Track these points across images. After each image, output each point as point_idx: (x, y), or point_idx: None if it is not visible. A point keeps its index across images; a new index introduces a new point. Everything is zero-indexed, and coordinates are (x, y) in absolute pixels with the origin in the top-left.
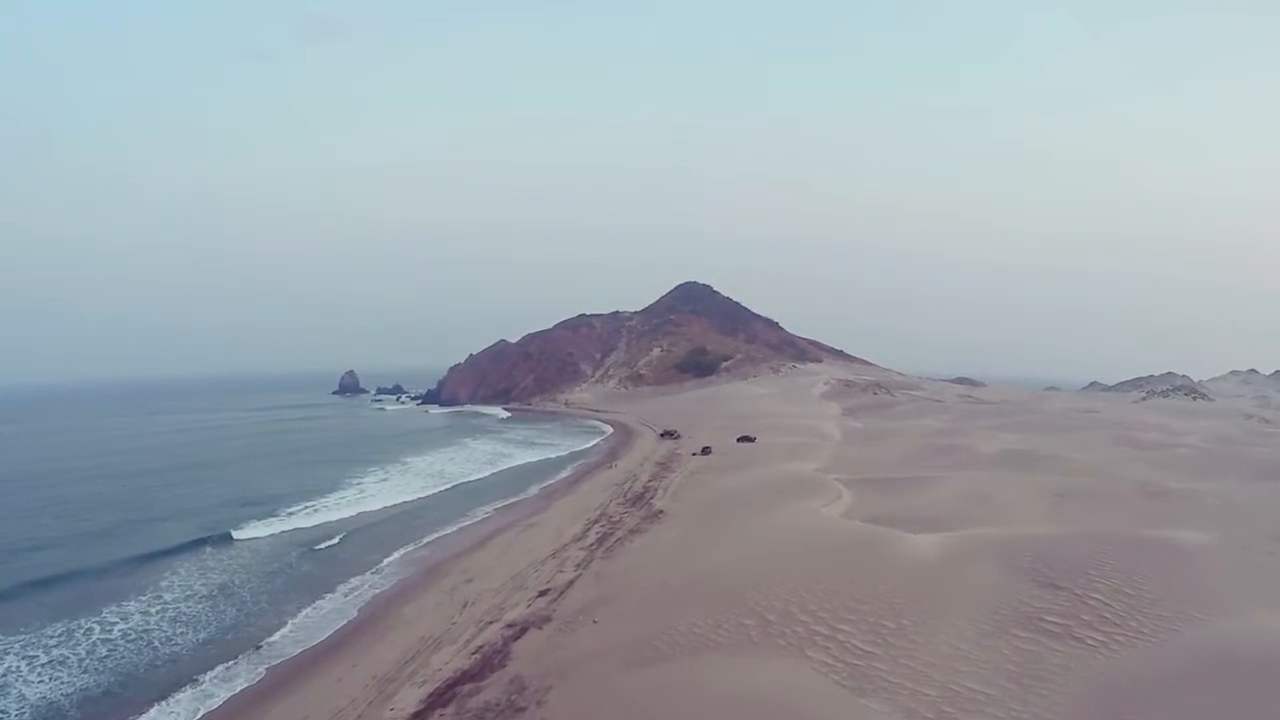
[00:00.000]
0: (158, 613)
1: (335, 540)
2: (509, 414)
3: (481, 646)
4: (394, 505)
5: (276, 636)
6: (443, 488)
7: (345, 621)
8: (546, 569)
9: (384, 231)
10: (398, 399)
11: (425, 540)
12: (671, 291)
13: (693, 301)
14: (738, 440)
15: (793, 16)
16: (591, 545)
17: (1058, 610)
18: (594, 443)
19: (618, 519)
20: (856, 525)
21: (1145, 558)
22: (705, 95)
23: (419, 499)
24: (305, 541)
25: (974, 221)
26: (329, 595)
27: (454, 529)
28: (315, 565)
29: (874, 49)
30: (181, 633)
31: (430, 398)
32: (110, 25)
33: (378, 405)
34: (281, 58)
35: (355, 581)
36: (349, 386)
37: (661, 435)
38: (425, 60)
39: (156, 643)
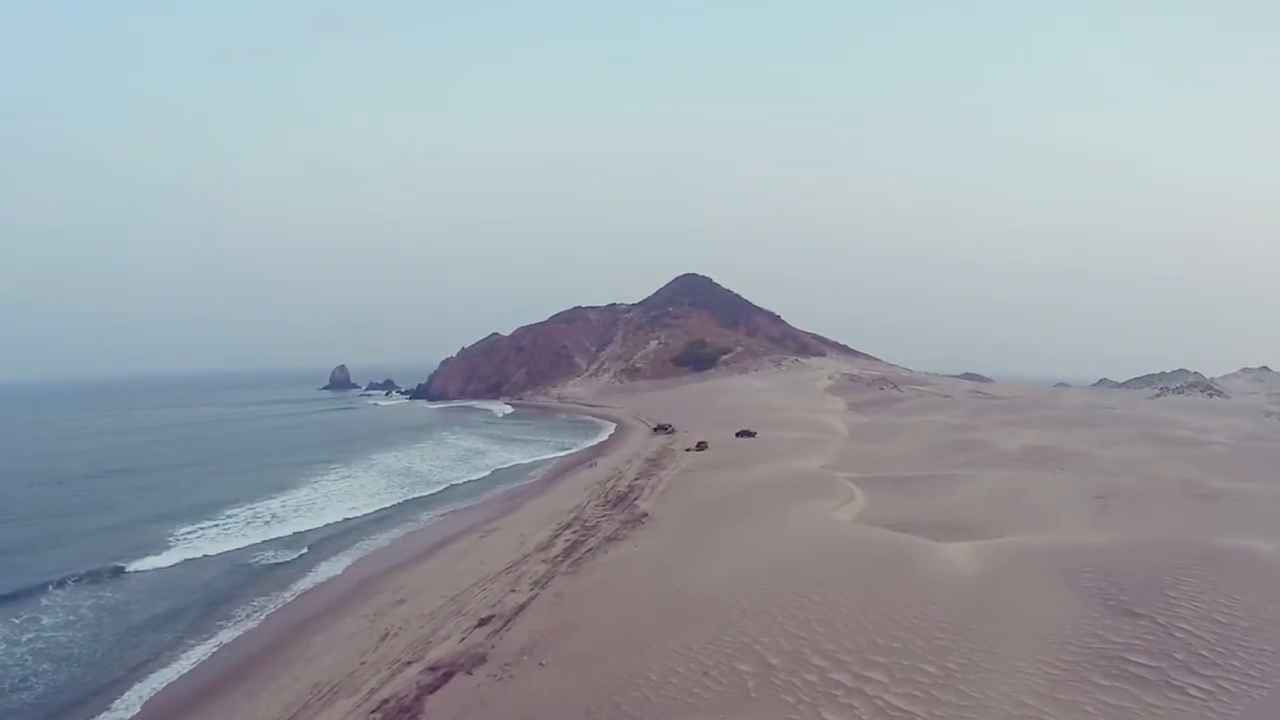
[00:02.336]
0: (28, 643)
1: (260, 554)
2: (512, 409)
3: (387, 700)
4: (344, 513)
5: (147, 680)
6: (404, 489)
7: (232, 658)
8: (497, 587)
9: (383, 228)
10: (387, 394)
11: (365, 548)
12: (670, 283)
13: (692, 294)
14: (737, 435)
15: (798, 12)
16: (557, 557)
17: (1143, 647)
18: (589, 442)
19: (593, 524)
20: (876, 533)
21: (1226, 573)
22: (710, 89)
23: (371, 503)
24: (225, 558)
25: (977, 219)
26: (227, 623)
27: (402, 533)
28: (229, 584)
29: (883, 44)
30: (44, 671)
31: (420, 393)
32: (100, 23)
33: (365, 400)
34: (280, 53)
35: (263, 604)
36: (340, 382)
37: (654, 430)
38: (423, 56)
39: (6, 687)
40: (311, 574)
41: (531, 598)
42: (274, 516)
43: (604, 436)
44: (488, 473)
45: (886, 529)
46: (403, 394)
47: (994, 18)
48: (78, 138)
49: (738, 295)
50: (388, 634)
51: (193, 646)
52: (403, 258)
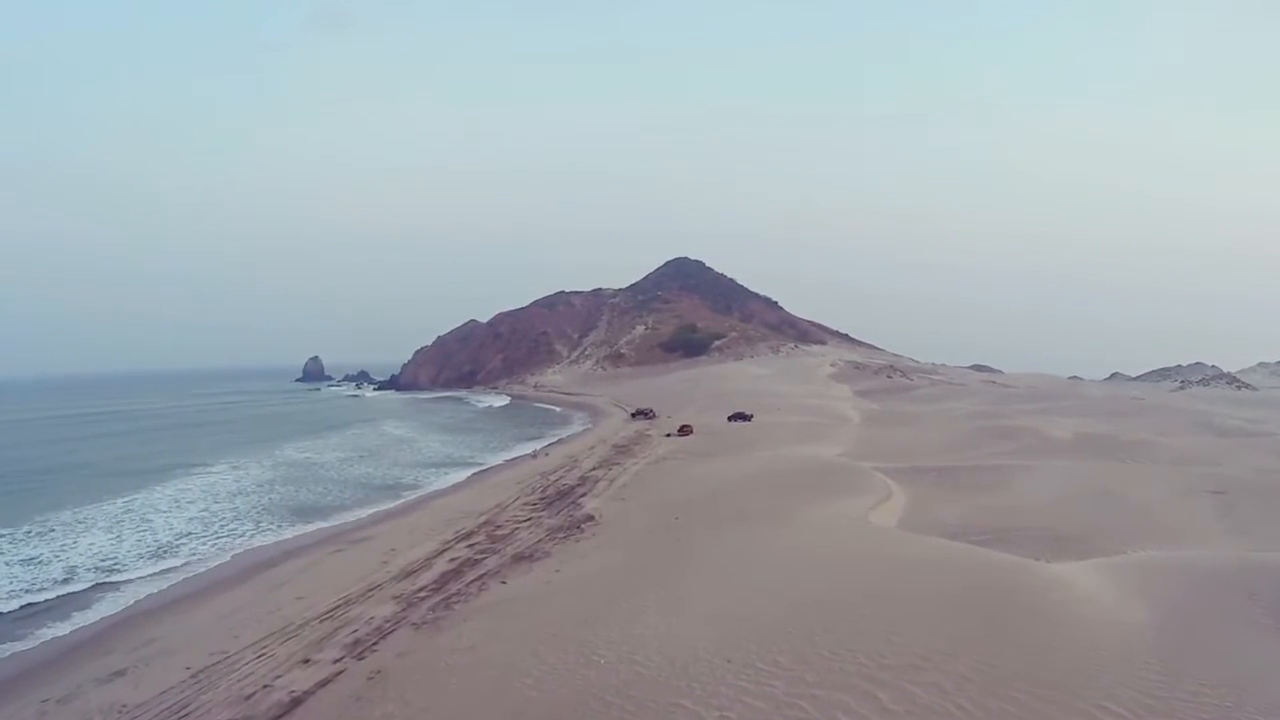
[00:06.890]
0: None
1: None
2: (509, 399)
3: None
4: (183, 522)
5: None
6: (289, 485)
7: None
8: (285, 650)
9: (383, 228)
10: (358, 385)
11: (158, 570)
12: (660, 267)
13: (683, 278)
14: (730, 419)
15: (801, 8)
16: (423, 590)
17: None
18: (555, 431)
19: (507, 532)
20: (949, 549)
21: None
22: (710, 84)
23: (221, 507)
24: None
25: (975, 215)
26: None
27: (230, 542)
28: None
29: (892, 43)
30: None
31: (389, 383)
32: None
33: (331, 391)
34: (266, 52)
35: None
36: (313, 374)
37: (633, 415)
38: (422, 49)
39: None
40: (51, 619)
41: (327, 678)
42: (81, 522)
43: (573, 425)
44: (407, 468)
45: (954, 540)
46: (371, 385)
47: (1013, 13)
48: (60, 141)
49: (732, 280)
50: None
51: None
52: (406, 255)
